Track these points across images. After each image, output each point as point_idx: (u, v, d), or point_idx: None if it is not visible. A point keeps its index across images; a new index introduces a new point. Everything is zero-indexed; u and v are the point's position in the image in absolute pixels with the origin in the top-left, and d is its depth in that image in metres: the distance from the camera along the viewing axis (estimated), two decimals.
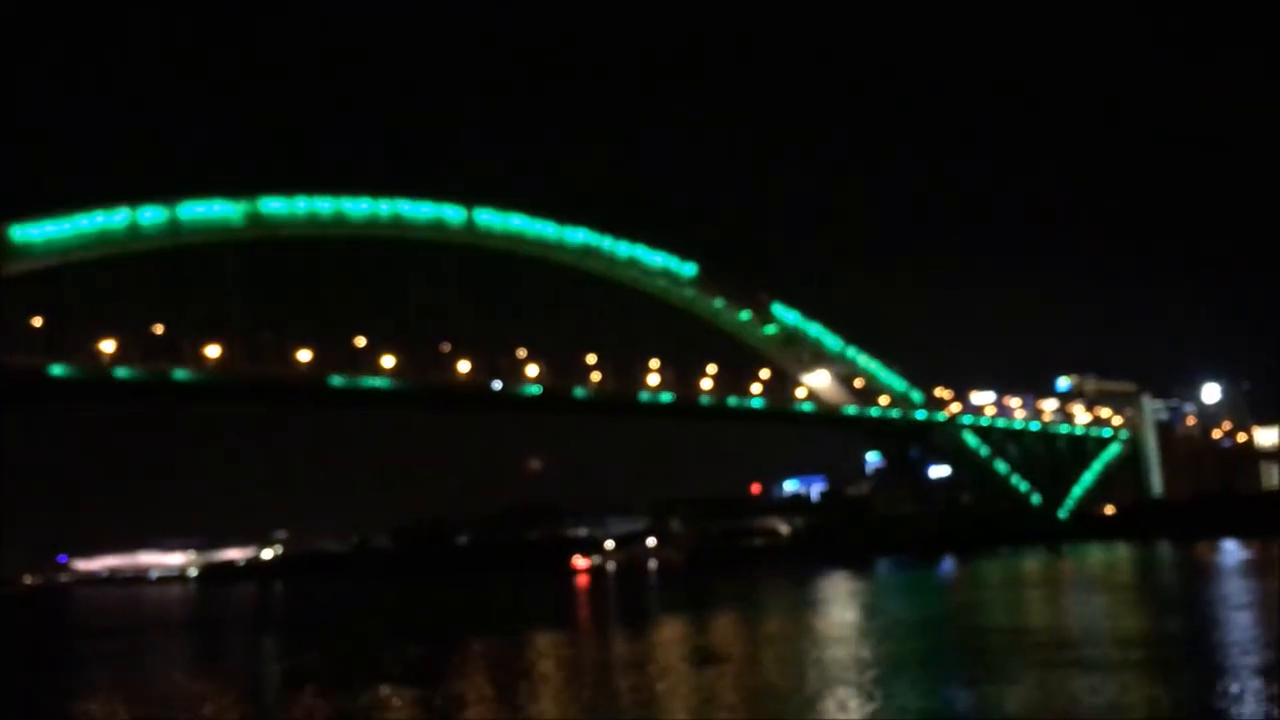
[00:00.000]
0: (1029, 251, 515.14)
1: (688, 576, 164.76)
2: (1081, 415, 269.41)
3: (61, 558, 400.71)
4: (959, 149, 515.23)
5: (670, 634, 66.08)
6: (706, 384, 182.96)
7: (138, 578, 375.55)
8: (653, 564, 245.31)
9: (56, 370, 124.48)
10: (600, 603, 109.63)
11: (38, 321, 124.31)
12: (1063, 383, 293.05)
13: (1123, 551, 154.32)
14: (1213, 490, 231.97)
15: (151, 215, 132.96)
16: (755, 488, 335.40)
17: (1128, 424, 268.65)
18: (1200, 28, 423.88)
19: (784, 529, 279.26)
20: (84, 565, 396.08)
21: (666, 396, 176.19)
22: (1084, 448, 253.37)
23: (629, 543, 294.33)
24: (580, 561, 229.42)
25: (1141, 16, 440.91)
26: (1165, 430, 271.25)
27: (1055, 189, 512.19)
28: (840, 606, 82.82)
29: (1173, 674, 39.15)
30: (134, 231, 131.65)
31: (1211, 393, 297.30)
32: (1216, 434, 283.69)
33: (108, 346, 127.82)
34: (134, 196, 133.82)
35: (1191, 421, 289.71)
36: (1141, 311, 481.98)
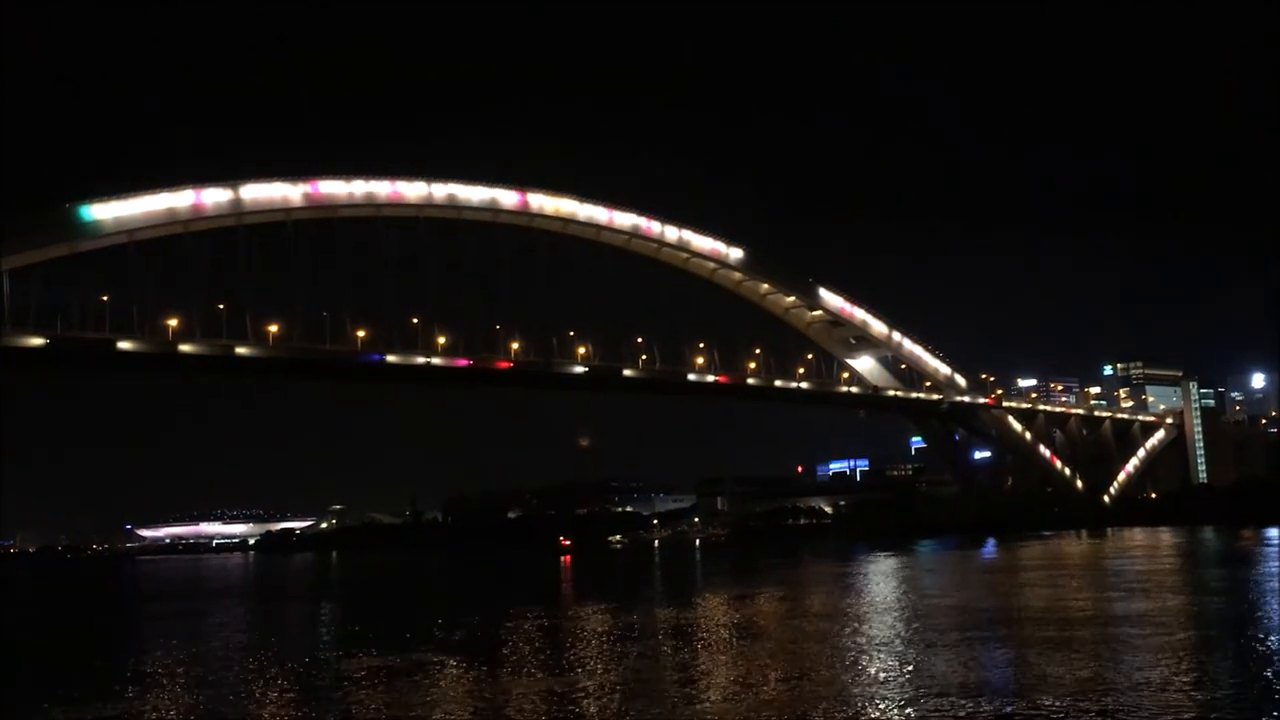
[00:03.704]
0: (1077, 239, 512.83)
1: (732, 553, 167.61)
2: (1127, 401, 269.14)
3: (127, 526, 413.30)
4: (1010, 139, 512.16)
5: (712, 607, 68.76)
6: (753, 366, 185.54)
7: (200, 546, 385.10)
8: (698, 540, 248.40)
9: (124, 345, 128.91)
10: (643, 576, 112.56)
11: (106, 297, 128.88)
12: (1109, 369, 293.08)
13: (1166, 537, 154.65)
14: (1258, 477, 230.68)
15: (215, 195, 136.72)
16: (799, 468, 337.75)
17: (1173, 410, 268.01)
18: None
19: (827, 508, 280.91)
20: (149, 533, 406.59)
21: (713, 377, 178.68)
22: (1129, 433, 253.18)
23: (675, 520, 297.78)
24: (565, 540, 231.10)
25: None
26: (1211, 417, 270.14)
27: (1106, 179, 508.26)
28: (882, 587, 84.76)
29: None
30: (198, 211, 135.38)
31: (1259, 381, 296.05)
32: (1263, 421, 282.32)
33: (173, 322, 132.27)
34: (199, 177, 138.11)
35: (1238, 409, 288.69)
36: (1190, 300, 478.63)
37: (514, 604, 72.36)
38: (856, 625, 54.02)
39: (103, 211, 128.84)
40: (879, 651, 44.20)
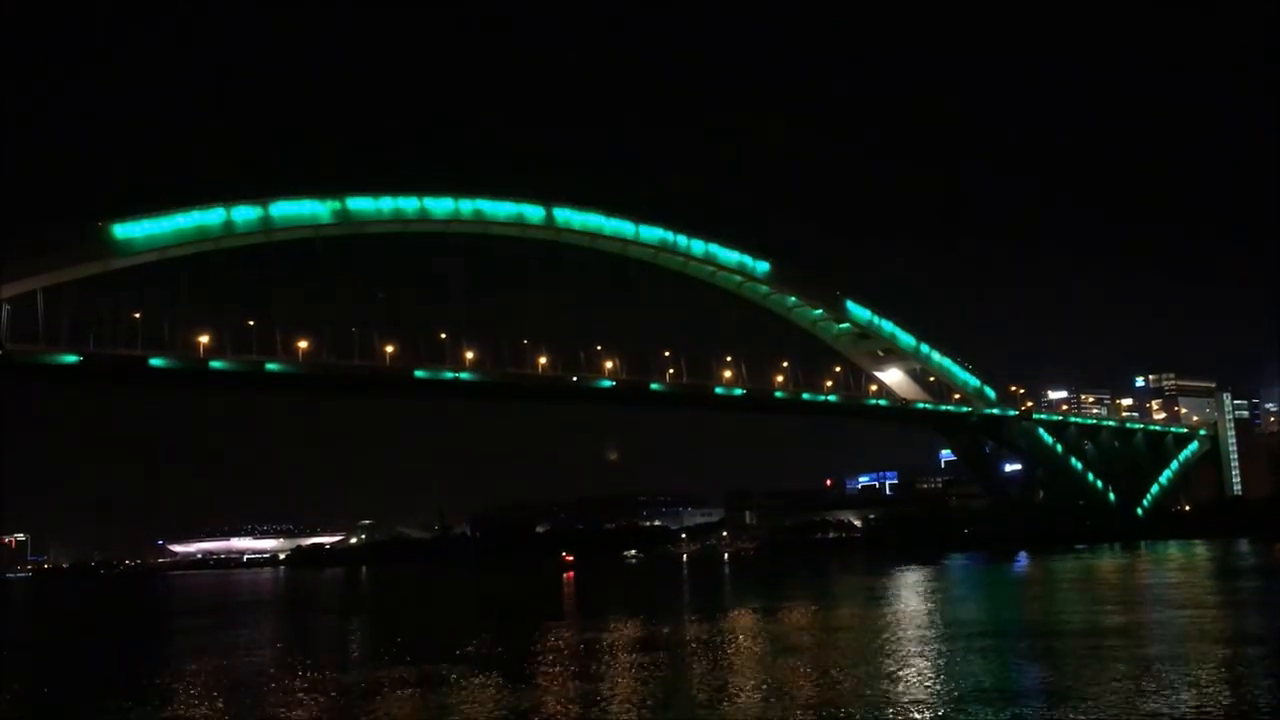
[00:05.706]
0: (1108, 250, 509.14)
1: (761, 567, 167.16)
2: (1159, 412, 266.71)
3: (159, 541, 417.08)
4: (1039, 152, 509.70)
5: (741, 623, 68.59)
6: (780, 379, 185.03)
7: (230, 561, 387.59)
8: (726, 554, 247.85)
9: (156, 362, 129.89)
10: (671, 591, 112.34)
11: (138, 314, 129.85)
12: (1141, 380, 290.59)
13: (1201, 550, 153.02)
14: None
15: (245, 213, 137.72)
16: (828, 482, 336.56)
17: (1206, 421, 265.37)
18: None
19: (857, 522, 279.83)
20: (180, 548, 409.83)
21: (740, 391, 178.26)
22: (1162, 445, 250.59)
23: (704, 534, 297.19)
24: (568, 556, 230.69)
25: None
26: (1245, 428, 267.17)
27: (1137, 189, 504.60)
28: (912, 601, 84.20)
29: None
30: (229, 228, 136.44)
31: None
32: None
33: (204, 339, 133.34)
34: (229, 195, 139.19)
35: (1273, 420, 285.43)
36: (1222, 310, 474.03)
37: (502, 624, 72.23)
38: (885, 639, 53.65)
39: (134, 230, 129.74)
40: (907, 665, 43.95)
